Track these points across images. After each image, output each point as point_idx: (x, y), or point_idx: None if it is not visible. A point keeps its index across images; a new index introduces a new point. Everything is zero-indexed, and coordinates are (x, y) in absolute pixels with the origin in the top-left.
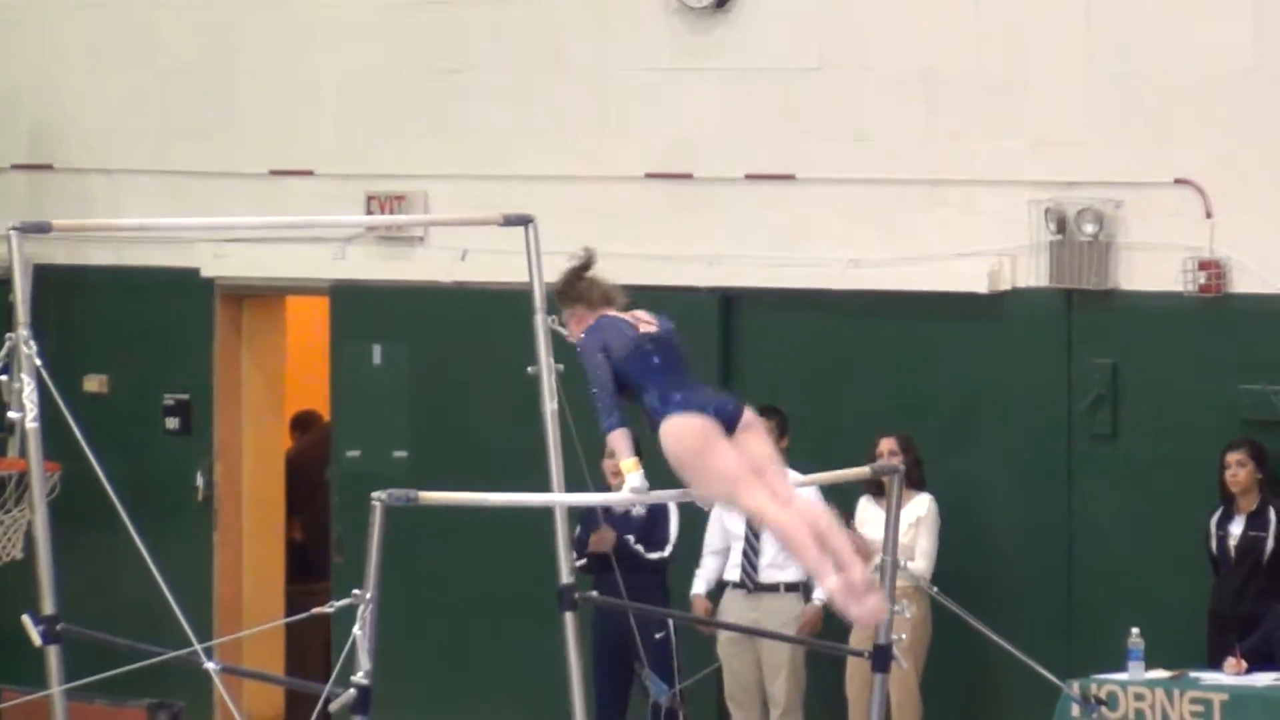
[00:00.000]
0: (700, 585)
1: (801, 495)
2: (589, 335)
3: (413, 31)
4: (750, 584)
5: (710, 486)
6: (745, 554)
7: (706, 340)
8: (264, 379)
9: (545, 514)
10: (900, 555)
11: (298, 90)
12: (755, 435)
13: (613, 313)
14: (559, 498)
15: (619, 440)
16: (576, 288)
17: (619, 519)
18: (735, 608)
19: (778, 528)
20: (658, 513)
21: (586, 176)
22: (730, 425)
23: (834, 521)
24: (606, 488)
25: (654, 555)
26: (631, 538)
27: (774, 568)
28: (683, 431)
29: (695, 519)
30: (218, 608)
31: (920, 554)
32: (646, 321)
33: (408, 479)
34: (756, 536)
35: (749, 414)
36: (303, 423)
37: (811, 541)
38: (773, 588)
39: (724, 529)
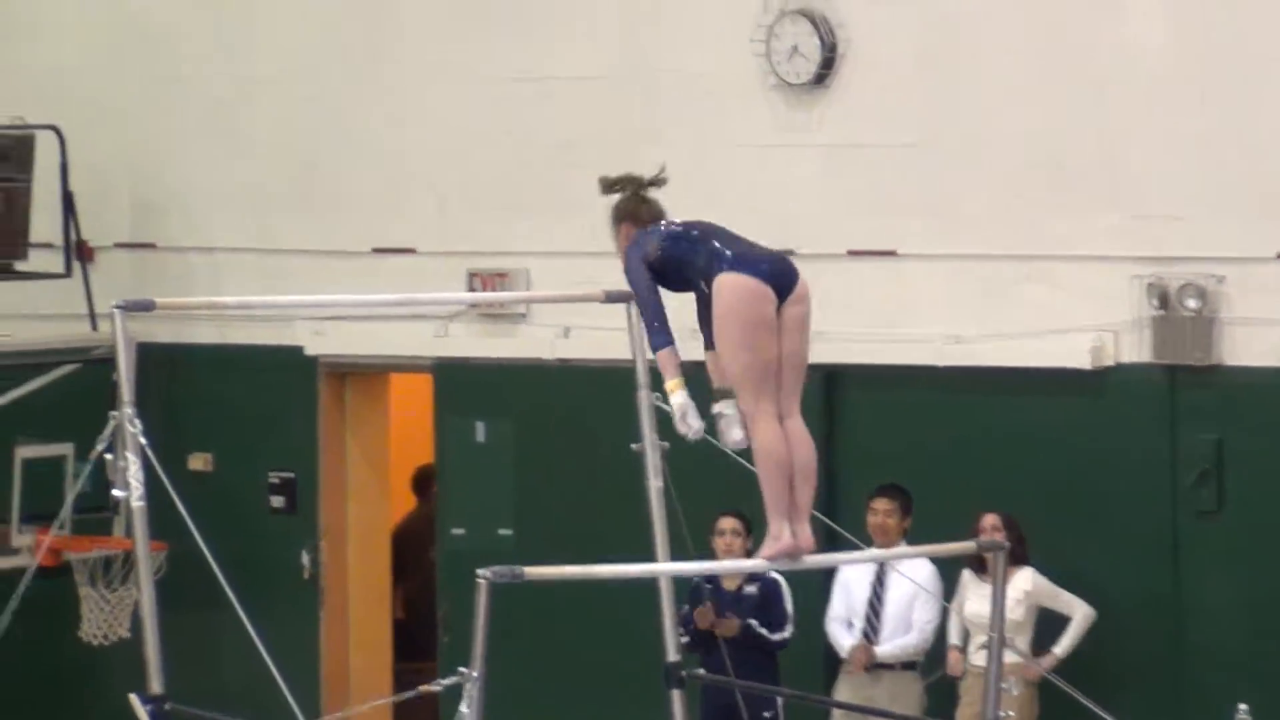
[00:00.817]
0: (849, 638)
1: (800, 426)
2: (630, 251)
3: (513, 108)
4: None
5: (730, 358)
6: (865, 633)
7: (809, 417)
8: (368, 456)
9: (651, 590)
10: (1007, 632)
11: (398, 168)
12: (798, 321)
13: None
14: (664, 568)
15: (666, 359)
16: (629, 204)
17: (730, 599)
18: (849, 685)
19: (760, 446)
20: (770, 592)
21: None
22: (784, 290)
23: (812, 471)
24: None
25: (778, 636)
26: (754, 621)
27: (892, 644)
28: (740, 292)
29: (801, 591)
30: (324, 686)
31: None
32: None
33: (513, 556)
34: (876, 613)
35: (803, 285)
36: (423, 480)
37: (783, 478)
38: (889, 666)
39: (847, 598)
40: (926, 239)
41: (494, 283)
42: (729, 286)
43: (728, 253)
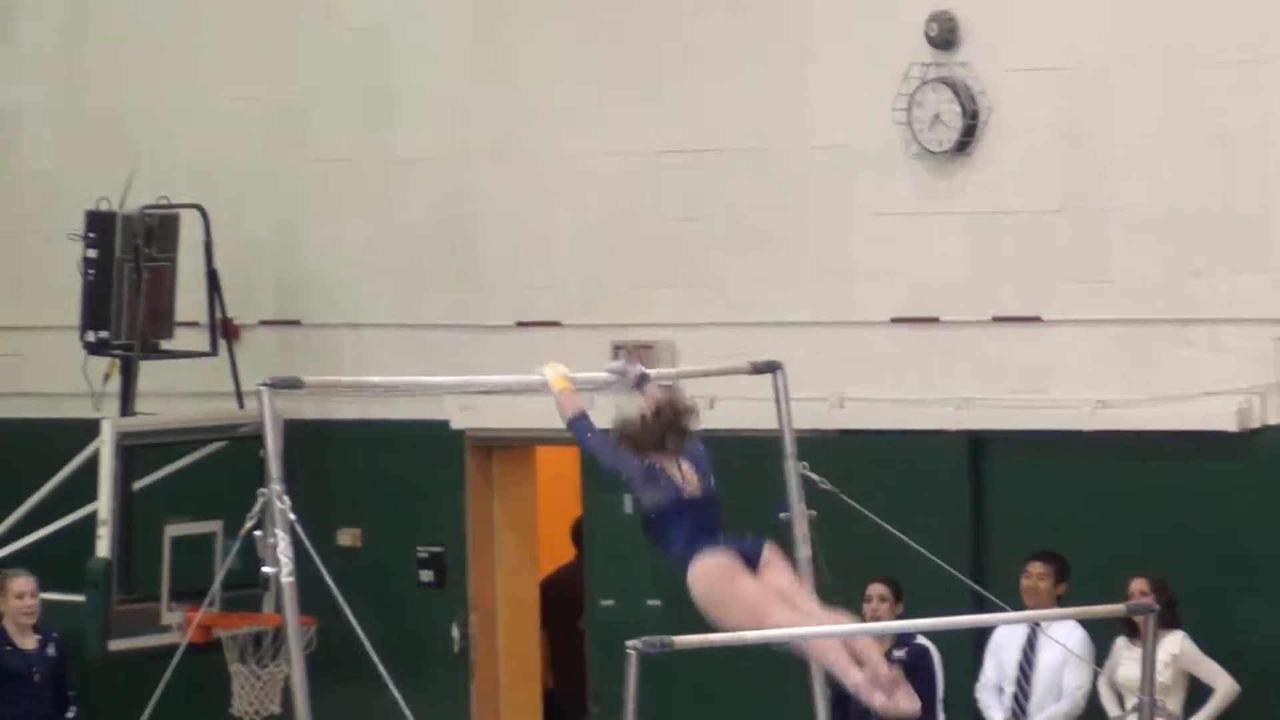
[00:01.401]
0: (999, 709)
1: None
2: (635, 461)
3: (655, 180)
4: None
5: (738, 616)
6: (1015, 697)
7: (956, 483)
8: (516, 529)
9: (801, 664)
10: (1156, 695)
11: (541, 241)
12: (776, 569)
13: (661, 462)
14: (812, 631)
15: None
16: (627, 430)
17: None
18: None
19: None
20: (920, 658)
21: (832, 322)
22: (753, 562)
23: (867, 640)
24: None
25: None
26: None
27: (1043, 715)
28: (707, 571)
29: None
30: None
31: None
32: (691, 479)
33: (662, 626)
34: (1027, 679)
35: (770, 550)
36: (581, 532)
37: (840, 647)
38: None
39: (998, 665)
40: (1071, 304)
41: (639, 355)
42: (700, 575)
43: (699, 544)
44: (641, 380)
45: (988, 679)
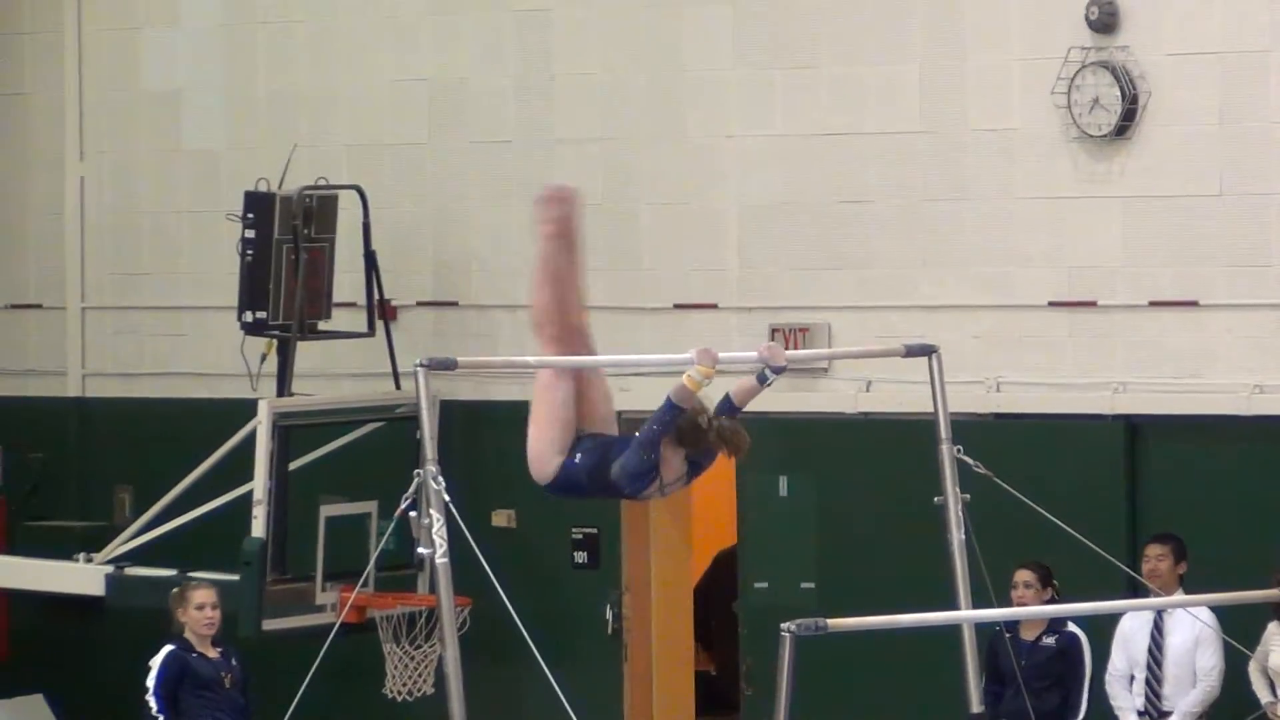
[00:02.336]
0: (1129, 699)
1: None
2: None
3: (814, 163)
4: (1154, 713)
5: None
6: (1148, 682)
7: (1112, 467)
8: (671, 512)
9: (954, 642)
10: None
11: (699, 224)
12: None
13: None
14: (965, 615)
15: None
16: (687, 421)
17: (1027, 649)
18: None
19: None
20: (1070, 646)
21: (989, 305)
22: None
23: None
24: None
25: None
26: None
27: (1180, 711)
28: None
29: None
30: None
31: None
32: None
33: (816, 609)
34: (1158, 664)
35: None
36: None
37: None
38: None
39: (1127, 652)
40: (1229, 289)
41: (796, 337)
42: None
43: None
44: (777, 372)
45: (1116, 669)
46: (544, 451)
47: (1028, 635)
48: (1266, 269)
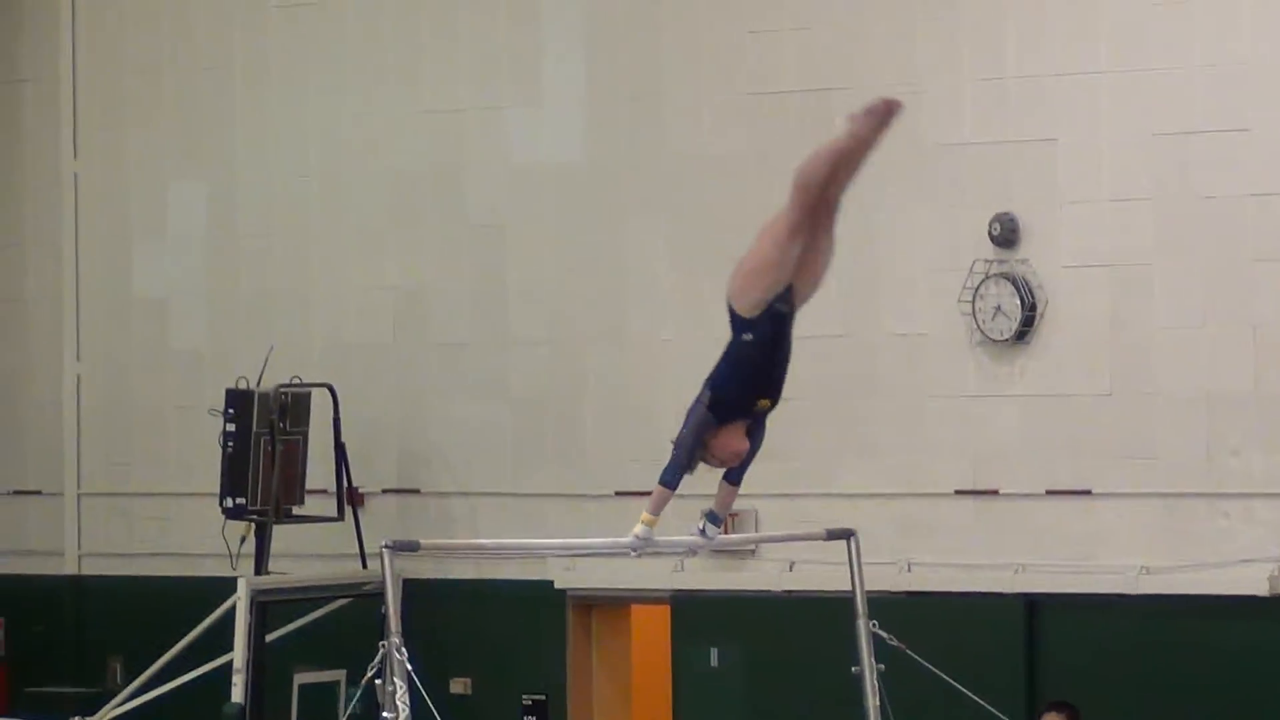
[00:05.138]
0: None
1: None
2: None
3: None
4: None
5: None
6: None
7: (1013, 640)
8: (613, 679)
9: None
10: None
11: (639, 417)
12: None
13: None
14: None
15: (659, 494)
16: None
17: None
18: None
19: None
20: None
21: (902, 493)
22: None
23: None
24: None
25: None
26: None
27: None
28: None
29: None
30: None
31: None
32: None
33: None
34: None
35: None
36: None
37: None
38: None
39: None
40: (1118, 479)
41: (726, 523)
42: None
43: None
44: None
45: None
46: (757, 278)
47: None
48: (1153, 461)
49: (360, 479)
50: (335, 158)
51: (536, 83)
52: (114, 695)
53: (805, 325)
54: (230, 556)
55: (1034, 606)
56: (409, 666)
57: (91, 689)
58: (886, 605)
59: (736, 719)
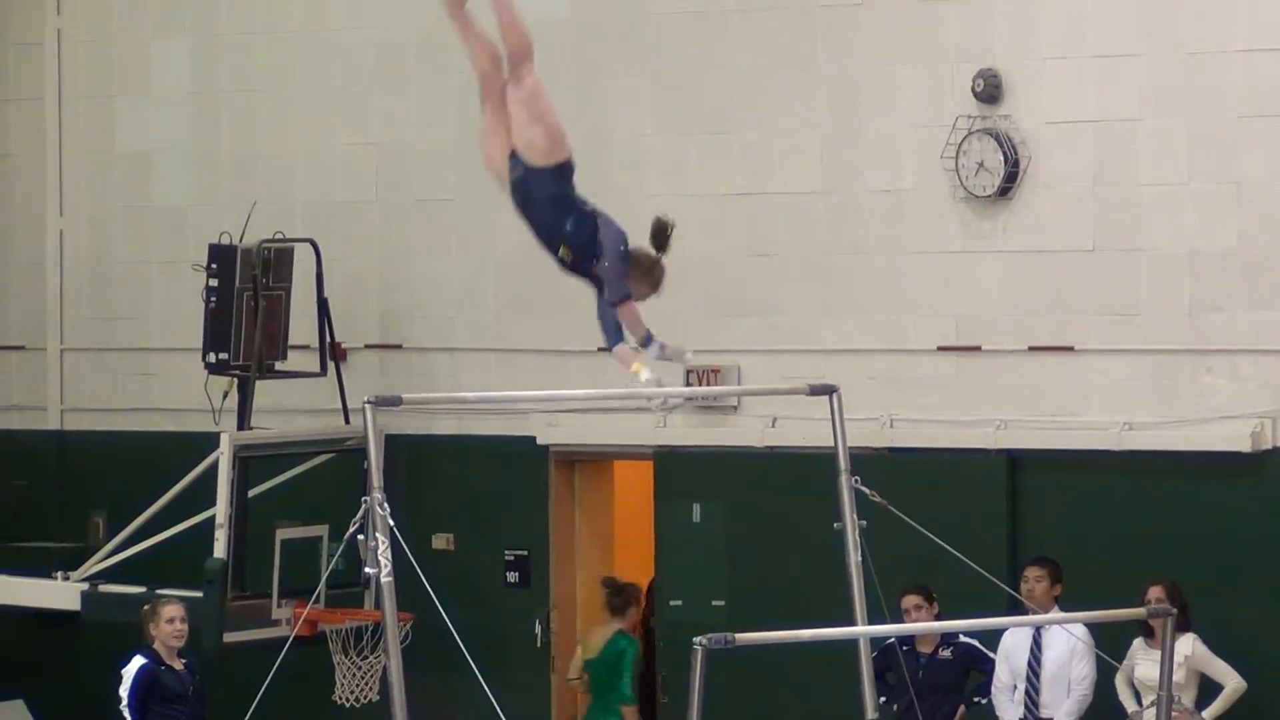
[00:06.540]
0: (1012, 709)
1: None
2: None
3: (726, 220)
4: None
5: None
6: (1028, 692)
7: (995, 497)
8: (595, 535)
9: (852, 657)
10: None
11: None
12: None
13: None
14: (862, 630)
15: (622, 353)
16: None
17: (926, 662)
18: None
19: None
20: (970, 653)
21: (884, 350)
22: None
23: None
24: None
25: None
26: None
27: (1052, 701)
28: None
29: None
30: None
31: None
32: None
33: (726, 625)
34: (1037, 676)
35: None
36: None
37: None
38: None
39: (1010, 665)
40: (1101, 335)
41: (709, 378)
42: None
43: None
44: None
45: (1001, 681)
46: (561, 134)
47: (924, 649)
48: (1135, 317)
49: (343, 334)
50: (318, 13)
51: None
52: (96, 551)
53: (787, 183)
54: (213, 412)
55: (1016, 463)
56: (391, 522)
57: (74, 544)
58: (868, 461)
59: (718, 574)
